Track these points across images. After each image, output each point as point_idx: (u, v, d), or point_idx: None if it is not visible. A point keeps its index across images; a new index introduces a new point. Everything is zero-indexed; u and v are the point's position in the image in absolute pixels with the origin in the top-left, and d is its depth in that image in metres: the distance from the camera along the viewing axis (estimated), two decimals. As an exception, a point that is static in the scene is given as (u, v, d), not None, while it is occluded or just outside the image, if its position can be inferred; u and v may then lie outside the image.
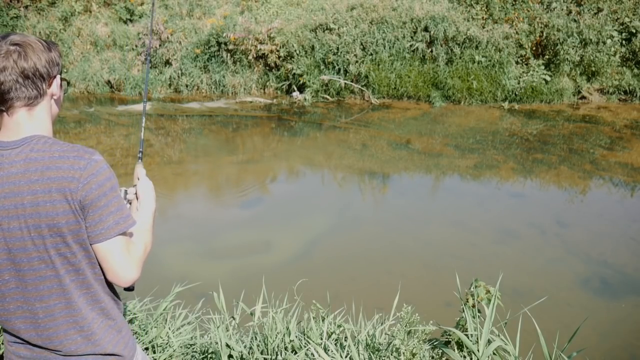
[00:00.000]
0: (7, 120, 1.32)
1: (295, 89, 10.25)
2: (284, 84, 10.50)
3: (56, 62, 1.37)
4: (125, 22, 11.52)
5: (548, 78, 9.86)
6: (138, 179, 1.71)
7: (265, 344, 2.54)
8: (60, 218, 1.26)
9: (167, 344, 2.68)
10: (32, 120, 1.33)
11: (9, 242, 1.27)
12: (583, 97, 10.04)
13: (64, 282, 1.32)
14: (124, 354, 1.45)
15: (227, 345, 2.49)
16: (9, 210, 1.25)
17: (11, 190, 1.25)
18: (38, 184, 1.24)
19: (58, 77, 1.38)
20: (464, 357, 2.25)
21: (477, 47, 9.95)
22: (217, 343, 2.51)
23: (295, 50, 10.16)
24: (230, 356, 2.48)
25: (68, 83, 1.54)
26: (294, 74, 10.19)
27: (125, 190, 1.65)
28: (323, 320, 2.63)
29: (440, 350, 2.37)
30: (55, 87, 1.38)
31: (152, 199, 1.65)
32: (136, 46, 11.01)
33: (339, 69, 10.13)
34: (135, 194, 1.66)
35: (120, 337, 1.44)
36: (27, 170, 1.25)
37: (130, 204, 1.65)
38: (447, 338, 2.42)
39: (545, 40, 10.07)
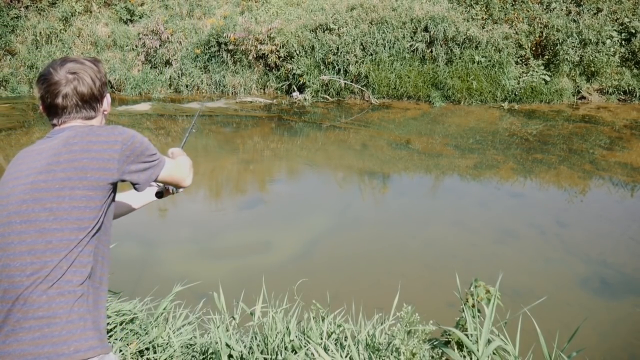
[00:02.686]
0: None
1: (295, 89, 10.25)
2: (284, 84, 10.50)
3: (105, 83, 1.59)
4: (125, 23, 11.53)
5: (548, 78, 9.87)
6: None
7: (265, 343, 2.54)
8: (92, 173, 1.42)
9: (167, 344, 2.68)
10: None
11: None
12: (583, 97, 10.05)
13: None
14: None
15: (227, 345, 2.49)
16: (48, 166, 1.40)
17: (49, 155, 1.42)
18: (79, 153, 1.42)
19: (108, 95, 1.61)
20: (464, 357, 2.26)
21: (476, 48, 9.96)
22: (217, 343, 2.52)
23: (295, 51, 10.16)
24: (230, 356, 2.49)
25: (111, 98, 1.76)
26: (294, 74, 10.19)
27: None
28: (323, 320, 2.63)
29: (440, 350, 2.37)
30: (106, 104, 1.61)
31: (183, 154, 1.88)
32: (136, 46, 11.02)
33: (339, 69, 10.13)
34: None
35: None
36: (66, 144, 1.43)
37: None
38: (447, 338, 2.42)
39: (544, 41, 10.08)
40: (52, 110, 1.49)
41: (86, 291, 1.37)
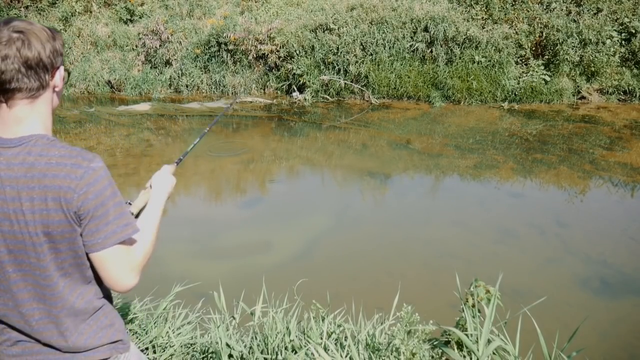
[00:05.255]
0: (6, 114, 1.26)
1: (295, 89, 10.25)
2: (284, 84, 10.50)
3: (60, 52, 1.30)
4: (125, 23, 11.52)
5: (548, 78, 9.87)
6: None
7: (265, 343, 2.54)
8: (55, 227, 1.24)
9: (167, 343, 2.68)
10: (32, 115, 1.27)
11: (10, 244, 1.26)
12: (582, 97, 10.04)
13: (58, 287, 1.32)
14: (121, 341, 1.48)
15: (228, 345, 2.49)
16: (9, 214, 1.23)
17: (10, 195, 1.22)
18: (35, 191, 1.21)
19: (61, 67, 1.32)
20: (464, 356, 2.26)
21: (476, 48, 9.95)
22: (217, 343, 2.52)
23: (295, 51, 10.16)
24: (230, 356, 2.49)
25: (69, 73, 1.51)
26: (294, 74, 10.19)
27: (129, 203, 1.64)
28: (323, 320, 2.64)
29: (440, 350, 2.37)
30: (58, 79, 1.32)
31: (163, 191, 1.63)
32: (136, 46, 11.02)
33: (339, 69, 10.13)
34: (150, 185, 1.67)
35: (114, 330, 1.46)
36: (24, 176, 1.21)
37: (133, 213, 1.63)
38: (447, 338, 2.42)
39: (544, 41, 10.08)
40: None
41: None
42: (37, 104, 1.28)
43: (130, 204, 1.63)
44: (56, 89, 1.34)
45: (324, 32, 10.26)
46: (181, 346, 2.70)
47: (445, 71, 9.95)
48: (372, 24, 10.20)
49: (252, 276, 4.00)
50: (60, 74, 1.32)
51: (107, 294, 1.49)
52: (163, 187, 1.65)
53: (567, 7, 10.36)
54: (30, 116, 1.27)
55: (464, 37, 9.92)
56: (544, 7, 10.42)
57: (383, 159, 7.44)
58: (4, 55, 1.19)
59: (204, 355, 2.65)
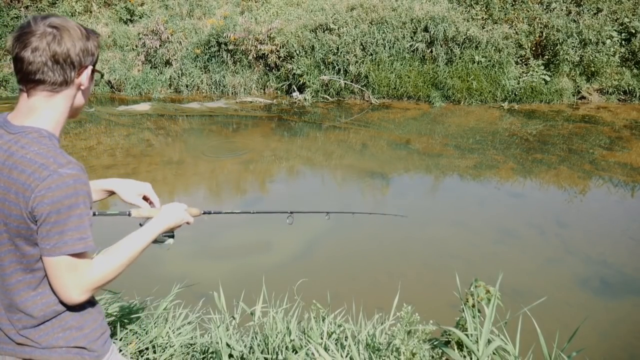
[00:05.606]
0: (24, 103, 1.29)
1: (295, 89, 10.25)
2: (284, 84, 10.50)
3: (91, 52, 1.32)
4: (125, 23, 11.53)
5: (548, 78, 9.87)
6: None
7: (265, 343, 2.54)
8: (12, 219, 1.23)
9: (167, 343, 2.68)
10: (46, 108, 1.29)
11: None
12: (582, 97, 10.05)
13: (11, 280, 1.30)
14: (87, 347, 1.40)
15: (228, 345, 2.49)
16: None
17: None
18: (5, 181, 1.23)
19: (90, 67, 1.33)
20: (464, 357, 2.26)
21: (476, 48, 9.96)
22: (217, 343, 2.52)
23: (295, 51, 10.16)
24: (230, 356, 2.49)
25: (102, 75, 1.51)
26: (294, 74, 10.19)
27: (129, 213, 1.63)
28: (323, 320, 2.64)
29: (440, 350, 2.37)
30: (84, 78, 1.33)
31: (167, 219, 1.58)
32: (136, 46, 11.02)
33: (339, 69, 10.13)
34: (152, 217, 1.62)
35: (81, 334, 1.38)
36: (2, 163, 1.24)
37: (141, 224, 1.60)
38: (447, 338, 2.42)
39: (544, 41, 10.08)
40: (18, 65, 1.25)
41: None
42: (56, 99, 1.30)
43: (129, 214, 1.63)
44: (81, 87, 1.35)
45: (324, 32, 10.26)
46: (181, 346, 2.70)
47: (445, 71, 9.95)
48: (372, 24, 10.20)
49: (252, 276, 4.00)
50: (87, 73, 1.33)
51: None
52: (169, 216, 1.60)
53: (567, 7, 10.36)
54: (44, 109, 1.29)
55: (464, 37, 9.92)
56: (544, 7, 10.42)
57: (383, 159, 7.44)
58: (35, 47, 1.22)
59: (204, 356, 2.65)
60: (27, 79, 1.25)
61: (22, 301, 1.31)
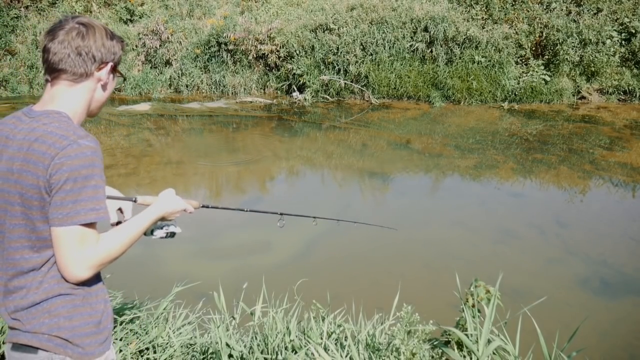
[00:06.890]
0: (47, 93, 1.38)
1: (295, 89, 10.25)
2: (284, 84, 10.50)
3: (112, 52, 1.42)
4: (125, 23, 11.53)
5: (548, 78, 9.87)
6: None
7: (265, 343, 2.54)
8: (27, 189, 1.27)
9: (167, 343, 2.68)
10: (67, 96, 1.37)
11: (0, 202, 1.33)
12: (582, 97, 10.05)
13: (14, 256, 1.33)
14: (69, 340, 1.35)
15: (228, 345, 2.49)
16: (3, 173, 1.31)
17: (10, 155, 1.30)
18: (24, 153, 1.28)
19: (110, 64, 1.43)
20: (464, 357, 2.26)
21: (476, 48, 9.96)
22: (217, 343, 2.52)
23: (295, 51, 10.16)
24: (230, 356, 2.49)
25: (125, 79, 1.58)
26: (294, 74, 10.19)
27: (134, 199, 1.68)
28: (323, 320, 2.64)
29: (440, 350, 2.37)
30: (104, 73, 1.42)
31: (163, 206, 1.60)
32: (136, 46, 11.02)
33: (339, 69, 10.13)
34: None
35: (68, 324, 1.34)
36: (24, 138, 1.30)
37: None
38: (447, 338, 2.42)
39: (544, 41, 10.08)
40: (44, 56, 1.36)
41: None
42: (76, 89, 1.39)
43: (135, 199, 1.69)
44: (100, 82, 1.43)
45: (324, 32, 10.26)
46: (181, 346, 2.70)
47: (445, 71, 9.95)
48: (372, 24, 10.21)
49: (252, 276, 4.00)
50: (107, 69, 1.42)
51: (88, 285, 1.38)
52: (165, 203, 1.62)
53: (567, 7, 10.37)
54: (64, 97, 1.37)
55: (464, 37, 9.92)
56: (544, 7, 10.42)
57: (383, 159, 7.44)
58: (62, 40, 1.34)
59: (204, 356, 2.65)
60: (52, 68, 1.35)
61: (22, 277, 1.33)
